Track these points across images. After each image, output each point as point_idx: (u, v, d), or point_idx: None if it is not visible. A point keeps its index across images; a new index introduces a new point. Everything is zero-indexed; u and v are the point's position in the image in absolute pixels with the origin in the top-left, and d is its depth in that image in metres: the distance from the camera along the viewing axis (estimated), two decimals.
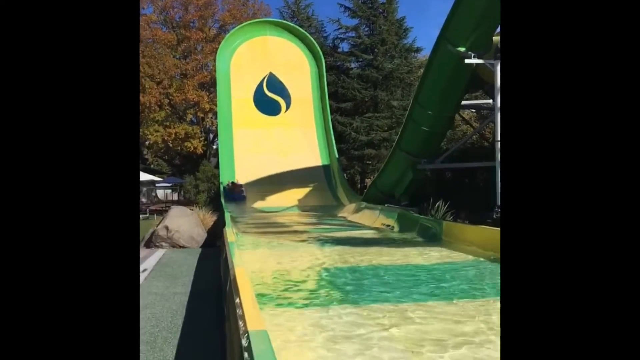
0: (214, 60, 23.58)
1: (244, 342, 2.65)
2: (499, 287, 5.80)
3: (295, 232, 11.92)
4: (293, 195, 18.53)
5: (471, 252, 8.00)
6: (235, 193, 18.15)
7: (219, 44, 23.56)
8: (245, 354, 2.48)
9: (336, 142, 21.29)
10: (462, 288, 5.73)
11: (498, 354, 3.56)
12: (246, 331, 2.76)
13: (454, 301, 5.05)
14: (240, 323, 2.98)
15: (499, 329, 4.15)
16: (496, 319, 4.39)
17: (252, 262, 7.08)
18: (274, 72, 22.05)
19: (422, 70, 16.52)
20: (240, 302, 3.41)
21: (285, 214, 16.80)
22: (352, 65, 27.19)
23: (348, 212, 15.86)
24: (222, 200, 16.62)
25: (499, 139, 11.49)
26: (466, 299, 5.14)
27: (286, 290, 5.65)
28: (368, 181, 23.00)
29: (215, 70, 23.16)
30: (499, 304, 4.97)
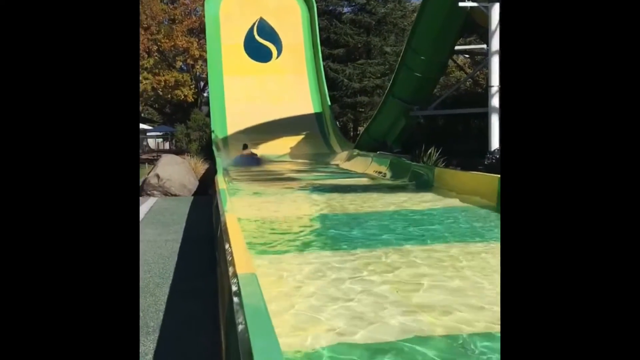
0: (203, 4, 22.95)
1: (234, 286, 2.66)
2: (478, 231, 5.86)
3: (288, 179, 11.92)
4: (285, 143, 18.45)
5: (461, 198, 8.04)
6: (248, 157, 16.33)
7: None
8: (235, 298, 2.49)
9: (328, 90, 21.03)
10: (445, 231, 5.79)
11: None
12: (235, 275, 2.77)
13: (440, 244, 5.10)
14: (230, 267, 2.99)
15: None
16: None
17: (242, 209, 7.09)
18: (264, 17, 21.52)
19: (416, 14, 16.17)
20: (230, 247, 3.42)
21: (277, 162, 16.78)
22: (345, 9, 26.58)
23: (340, 159, 15.85)
24: (214, 148, 16.52)
25: (493, 84, 11.37)
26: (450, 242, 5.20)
27: (275, 236, 5.68)
28: (361, 129, 22.87)
29: (204, 16, 22.58)
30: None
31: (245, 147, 16.58)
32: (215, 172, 11.09)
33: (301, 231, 6.04)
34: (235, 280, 2.70)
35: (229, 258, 3.19)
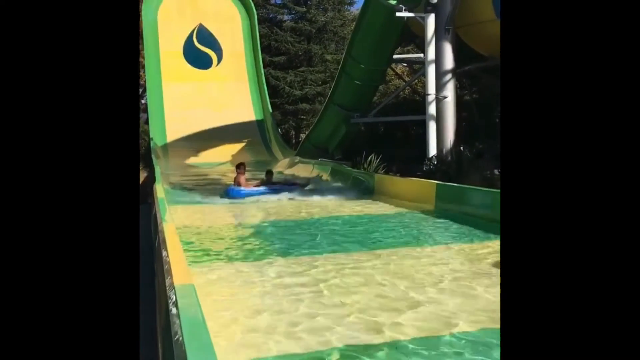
0: (140, 10, 22.43)
1: (171, 297, 2.63)
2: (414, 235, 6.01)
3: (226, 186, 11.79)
4: (226, 151, 18.28)
5: (400, 204, 8.21)
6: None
7: None
8: (173, 309, 2.46)
9: (270, 97, 21.00)
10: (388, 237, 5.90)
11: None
12: (173, 286, 2.73)
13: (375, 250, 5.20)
14: (167, 278, 2.95)
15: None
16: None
17: (181, 218, 6.98)
18: (204, 24, 21.28)
19: (355, 23, 16.41)
20: (168, 257, 3.37)
21: (218, 169, 16.59)
22: (285, 17, 26.63)
23: (282, 166, 15.85)
24: (153, 156, 16.15)
25: (430, 92, 11.66)
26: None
27: (214, 245, 5.63)
28: (303, 136, 22.93)
29: (141, 21, 22.09)
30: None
31: (269, 173, 10.97)
32: (154, 180, 10.84)
33: (241, 240, 6.00)
34: (172, 291, 2.67)
35: (166, 268, 3.15)
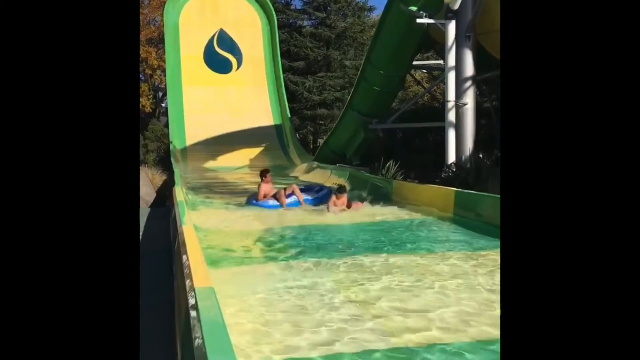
0: (162, 14, 22.70)
1: (191, 300, 2.64)
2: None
3: (246, 192, 11.83)
4: (244, 155, 18.37)
5: (418, 210, 8.16)
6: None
7: None
8: (192, 312, 2.47)
9: (288, 102, 21.07)
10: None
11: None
12: (193, 288, 2.74)
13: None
14: (187, 280, 2.96)
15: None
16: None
17: (200, 221, 7.01)
18: (224, 29, 21.46)
19: (374, 29, 16.41)
20: (188, 260, 3.39)
21: (236, 173, 16.67)
22: (305, 23, 26.74)
23: (300, 172, 15.86)
24: (172, 159, 16.27)
25: (449, 99, 11.60)
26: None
27: (231, 248, 5.65)
28: (320, 141, 22.96)
29: (163, 25, 22.34)
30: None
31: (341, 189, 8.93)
32: (173, 183, 10.93)
33: (257, 244, 6.02)
34: (192, 293, 2.68)
35: (186, 271, 3.16)
